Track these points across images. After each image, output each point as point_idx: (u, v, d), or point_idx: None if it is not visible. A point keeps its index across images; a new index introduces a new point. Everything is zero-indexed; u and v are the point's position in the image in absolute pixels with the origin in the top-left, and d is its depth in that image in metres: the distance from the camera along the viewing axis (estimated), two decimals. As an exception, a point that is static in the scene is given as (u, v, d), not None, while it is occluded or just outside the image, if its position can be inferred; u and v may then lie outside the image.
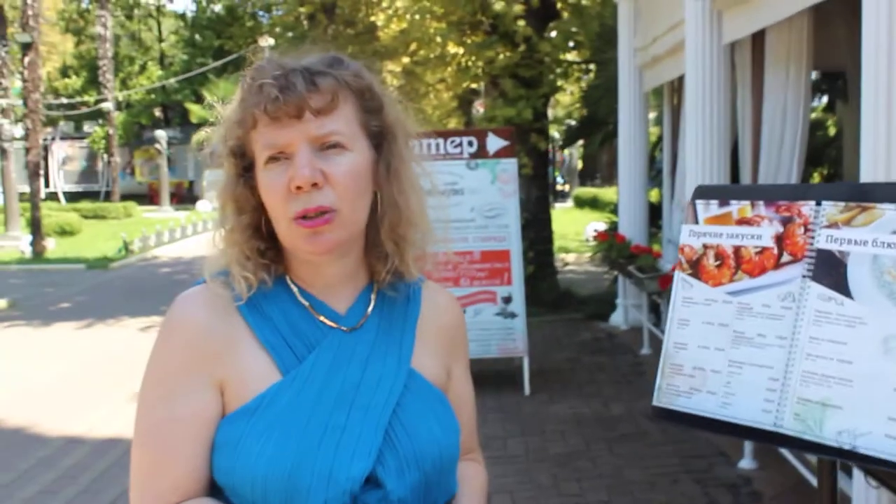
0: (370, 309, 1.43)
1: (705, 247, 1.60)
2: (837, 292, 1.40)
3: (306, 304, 1.39)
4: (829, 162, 11.45)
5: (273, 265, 1.40)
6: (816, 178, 11.21)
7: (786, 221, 1.50)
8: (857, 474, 3.30)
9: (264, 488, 1.27)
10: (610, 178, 34.27)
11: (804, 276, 1.45)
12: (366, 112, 1.38)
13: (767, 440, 1.43)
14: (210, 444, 1.32)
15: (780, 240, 1.50)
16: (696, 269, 1.60)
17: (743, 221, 1.56)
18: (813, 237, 1.46)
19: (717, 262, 1.57)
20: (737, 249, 1.55)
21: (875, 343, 1.35)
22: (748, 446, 5.17)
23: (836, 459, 1.39)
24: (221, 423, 1.33)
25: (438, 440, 1.38)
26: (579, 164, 41.04)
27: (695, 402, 1.53)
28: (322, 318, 1.39)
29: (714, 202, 1.60)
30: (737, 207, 1.57)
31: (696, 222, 1.63)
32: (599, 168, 39.79)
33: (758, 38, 6.02)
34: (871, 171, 3.44)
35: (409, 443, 1.34)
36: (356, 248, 1.42)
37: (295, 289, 1.40)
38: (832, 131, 13.58)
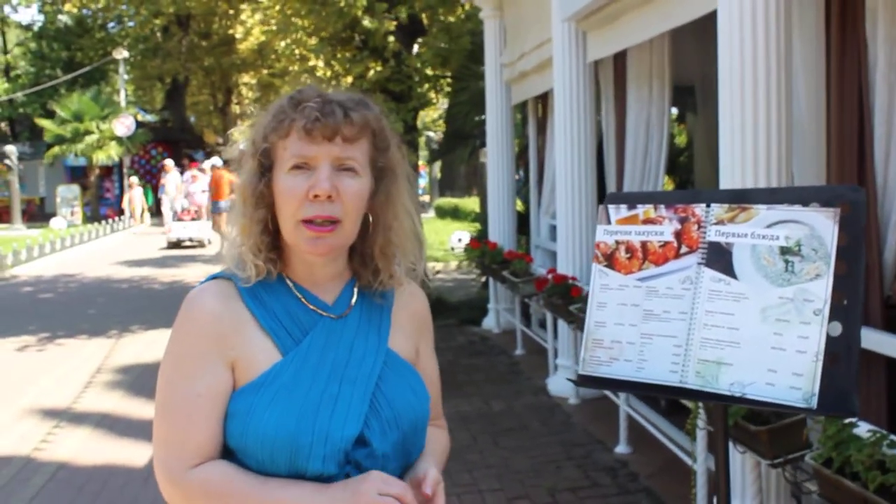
0: (354, 300, 1.74)
1: (617, 243, 1.95)
2: (725, 275, 1.77)
3: (300, 296, 1.69)
4: (681, 169, 12.15)
5: (276, 261, 1.68)
6: (670, 184, 11.88)
7: (683, 220, 1.86)
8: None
9: (272, 447, 1.55)
10: (469, 188, 34.92)
11: (699, 264, 1.82)
12: (376, 149, 1.70)
13: (675, 394, 1.78)
14: (224, 415, 1.60)
15: (678, 235, 1.86)
16: (610, 261, 1.95)
17: (648, 221, 1.92)
18: (705, 232, 1.83)
19: (628, 255, 1.93)
20: (644, 244, 1.91)
21: (755, 313, 1.72)
22: (623, 433, 5.63)
23: (728, 405, 1.76)
24: (233, 396, 1.61)
25: (413, 406, 1.70)
26: (438, 175, 41.64)
27: (614, 368, 1.88)
28: (314, 307, 1.69)
29: (623, 206, 1.97)
30: (642, 210, 1.93)
31: (609, 223, 1.98)
32: (458, 178, 40.48)
33: (619, 57, 6.52)
34: (728, 179, 3.91)
35: (389, 409, 1.65)
36: (344, 253, 1.73)
37: (290, 283, 1.70)
38: (682, 140, 14.37)
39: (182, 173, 24.67)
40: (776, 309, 1.70)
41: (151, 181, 33.62)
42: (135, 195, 29.16)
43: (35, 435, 6.71)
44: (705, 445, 4.02)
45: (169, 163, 26.99)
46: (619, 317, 1.90)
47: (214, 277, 1.70)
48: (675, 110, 12.02)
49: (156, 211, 30.33)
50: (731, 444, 3.46)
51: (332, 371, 1.63)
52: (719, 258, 1.79)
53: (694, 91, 9.57)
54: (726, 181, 3.88)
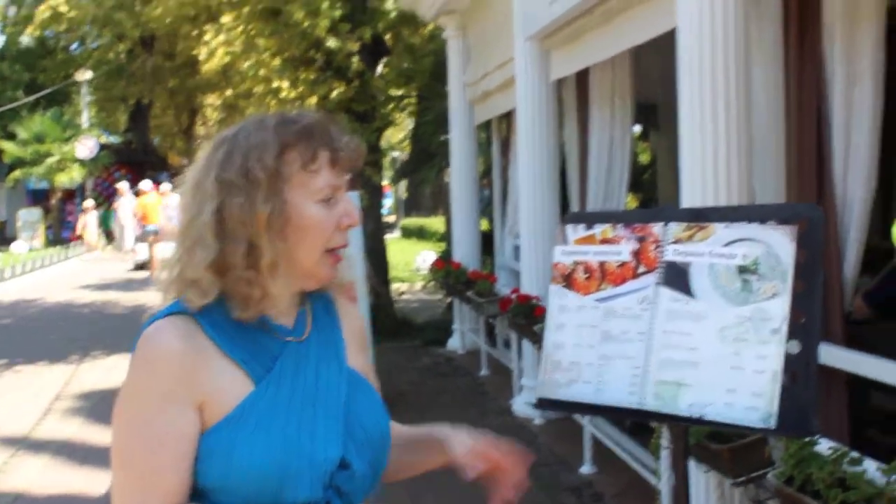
0: (309, 321, 1.69)
1: (575, 263, 1.93)
2: (683, 294, 1.75)
3: (260, 322, 1.61)
4: (645, 187, 12.23)
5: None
6: (633, 202, 11.95)
7: (640, 240, 1.84)
8: (690, 463, 3.73)
9: (260, 479, 1.48)
10: (434, 207, 34.95)
11: (657, 283, 1.80)
12: None
13: (634, 416, 1.76)
14: (192, 460, 1.51)
15: (636, 254, 1.84)
16: (568, 281, 1.93)
17: (606, 241, 1.89)
18: (662, 251, 1.81)
19: (586, 275, 1.90)
20: (602, 264, 1.89)
21: (714, 332, 1.70)
22: (587, 453, 5.60)
23: (688, 426, 1.73)
24: (204, 436, 1.51)
25: (381, 423, 1.68)
26: (404, 195, 41.67)
27: (573, 391, 1.85)
28: (276, 333, 1.63)
29: (581, 225, 1.94)
30: (600, 229, 1.91)
31: (566, 243, 1.96)
32: (423, 198, 40.53)
33: (582, 75, 6.54)
34: (689, 196, 3.91)
35: (361, 429, 1.62)
36: None
37: None
38: (646, 158, 14.48)
39: (136, 196, 24.16)
40: (734, 328, 1.68)
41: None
42: (89, 220, 28.00)
43: (-8, 462, 6.58)
44: (669, 464, 3.99)
45: (122, 186, 26.71)
46: (578, 338, 1.87)
47: (170, 312, 1.59)
48: (638, 128, 12.12)
49: (110, 236, 29.56)
50: (693, 463, 3.45)
51: (304, 396, 1.59)
52: (677, 277, 1.77)
53: (657, 108, 9.64)
54: (687, 198, 3.88)
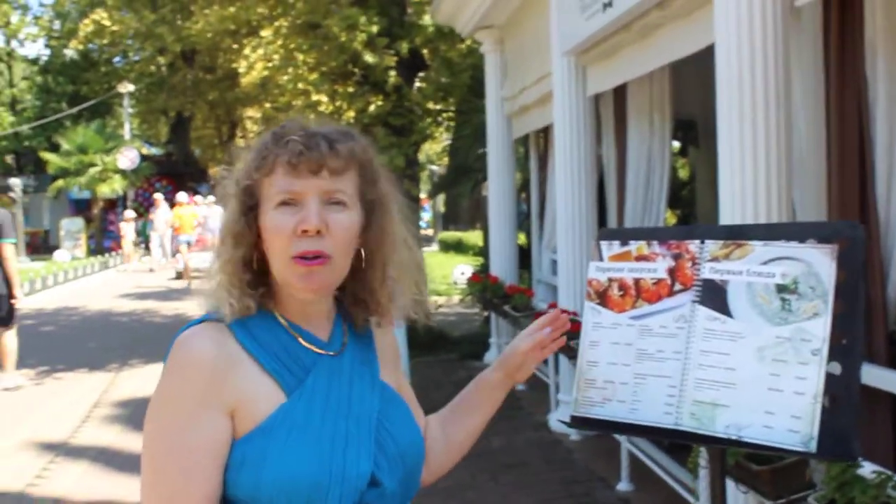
0: (346, 337, 1.69)
1: (610, 280, 1.91)
2: (721, 313, 1.72)
3: (296, 334, 1.62)
4: (683, 203, 12.14)
5: (263, 298, 1.62)
6: (672, 218, 11.86)
7: (676, 257, 1.82)
8: (729, 483, 3.68)
9: (291, 492, 1.47)
10: (472, 221, 34.92)
11: (693, 301, 1.77)
12: (364, 181, 1.65)
13: (669, 437, 1.73)
14: (223, 467, 1.50)
15: (672, 272, 1.81)
16: (602, 298, 1.91)
17: (641, 258, 1.87)
18: (699, 269, 1.78)
19: (621, 293, 1.88)
20: (637, 281, 1.86)
21: (752, 352, 1.67)
22: (624, 470, 5.55)
23: (726, 447, 1.70)
24: (237, 444, 1.51)
25: (415, 441, 1.67)
26: (442, 209, 41.71)
27: (607, 409, 1.82)
28: (310, 345, 1.62)
29: (616, 242, 1.92)
30: (635, 246, 1.89)
31: (601, 259, 1.94)
32: (462, 212, 40.53)
33: (620, 90, 6.51)
34: (728, 213, 3.87)
35: (394, 445, 1.61)
36: (333, 290, 1.67)
37: (284, 322, 1.62)
38: (683, 174, 14.37)
39: (172, 207, 24.29)
40: (773, 349, 1.65)
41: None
42: (126, 230, 27.77)
43: (30, 470, 6.64)
44: (708, 484, 3.94)
45: (158, 197, 26.95)
46: (612, 356, 1.85)
47: (203, 319, 1.62)
48: (677, 143, 12.04)
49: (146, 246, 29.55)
50: (732, 483, 3.39)
51: (337, 409, 1.58)
52: (714, 296, 1.74)
53: (695, 124, 9.57)
54: (726, 215, 3.83)
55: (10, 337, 9.66)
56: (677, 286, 1.80)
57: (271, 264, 1.60)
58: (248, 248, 1.61)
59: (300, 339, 1.62)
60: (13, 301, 9.40)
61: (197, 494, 1.48)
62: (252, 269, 1.61)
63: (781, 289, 1.66)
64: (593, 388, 1.86)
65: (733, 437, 1.64)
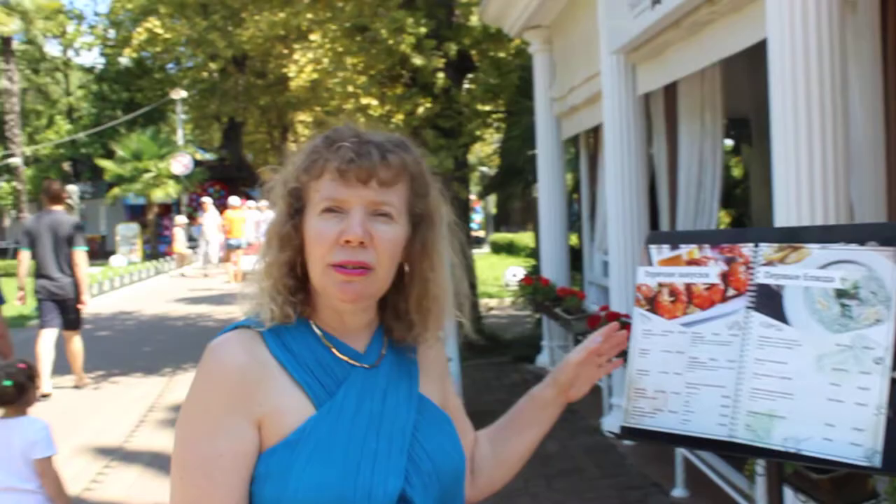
0: (384, 350, 1.63)
1: (660, 285, 1.84)
2: (776, 320, 1.65)
3: (330, 345, 1.57)
4: (737, 202, 11.96)
5: (300, 306, 1.57)
6: (726, 218, 11.69)
7: (729, 261, 1.75)
8: (787, 491, 3.58)
9: None
10: (524, 223, 34.79)
11: (747, 308, 1.70)
12: (414, 195, 1.59)
13: (724, 449, 1.66)
14: (249, 478, 1.47)
15: (725, 277, 1.74)
16: (652, 304, 1.84)
17: (692, 262, 1.80)
18: (753, 274, 1.71)
19: (672, 298, 1.81)
20: (688, 286, 1.79)
21: (810, 361, 1.59)
22: (679, 476, 5.45)
23: (783, 461, 1.63)
24: (262, 456, 1.47)
25: (453, 458, 1.60)
26: (493, 210, 41.62)
27: (658, 420, 1.76)
28: (345, 357, 1.57)
29: (666, 246, 1.85)
30: (686, 250, 1.82)
31: (651, 264, 1.87)
32: (513, 214, 40.40)
33: (670, 89, 6.40)
34: (783, 213, 3.76)
35: (429, 462, 1.54)
36: (374, 302, 1.62)
37: (319, 332, 1.58)
38: (737, 173, 14.17)
39: (222, 212, 24.46)
40: (833, 357, 1.57)
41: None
42: (178, 234, 28.01)
43: (86, 474, 6.70)
44: (765, 491, 3.84)
45: (206, 201, 27.18)
46: (663, 365, 1.78)
47: (237, 326, 1.59)
48: (730, 142, 11.87)
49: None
50: (791, 493, 3.30)
51: (368, 424, 1.52)
52: (769, 302, 1.67)
53: (748, 122, 9.41)
54: (781, 216, 3.73)
55: (77, 341, 9.83)
56: (730, 292, 1.73)
57: (310, 270, 1.56)
58: (294, 252, 1.57)
59: (334, 350, 1.57)
60: (80, 306, 9.60)
61: (221, 502, 1.45)
62: (296, 274, 1.58)
63: (841, 294, 1.59)
64: (644, 398, 1.79)
65: (791, 451, 1.57)
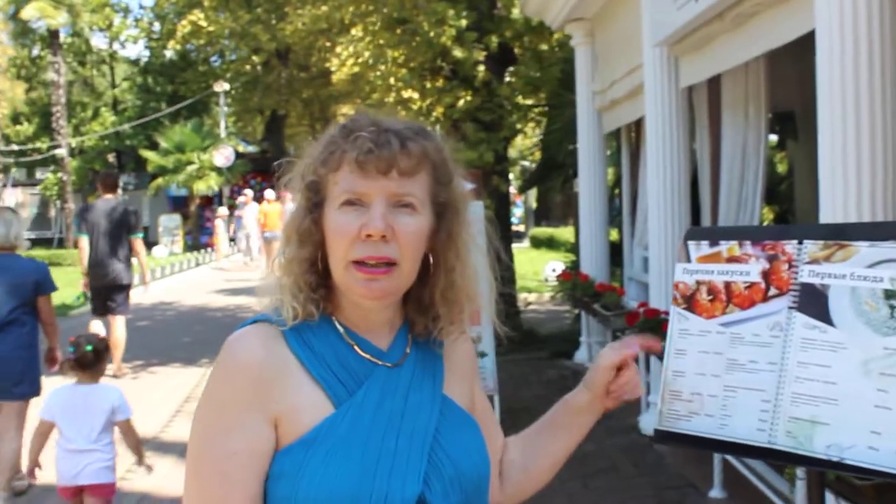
0: (408, 348, 1.57)
1: (698, 283, 1.76)
2: (821, 321, 1.57)
3: (352, 342, 1.51)
4: (781, 198, 11.76)
5: (322, 302, 1.51)
6: (769, 214, 11.50)
7: (771, 259, 1.66)
8: (828, 495, 3.48)
9: None
10: (564, 217, 34.60)
11: (790, 308, 1.62)
12: (437, 183, 1.52)
13: (763, 456, 1.58)
14: (264, 476, 1.42)
15: (766, 275, 1.66)
16: (690, 303, 1.76)
17: (732, 259, 1.72)
18: (796, 272, 1.62)
19: (710, 297, 1.73)
20: (727, 285, 1.71)
21: (856, 365, 1.51)
22: (717, 476, 5.34)
23: (826, 470, 1.55)
24: (278, 455, 1.43)
25: (476, 462, 1.53)
26: (534, 205, 41.45)
27: (694, 424, 1.68)
28: (367, 355, 1.51)
29: (705, 243, 1.77)
30: (726, 247, 1.74)
31: (689, 261, 1.79)
32: (554, 208, 40.21)
33: (713, 82, 6.28)
34: (829, 210, 3.65)
35: (451, 466, 1.48)
36: (399, 297, 1.55)
37: (341, 328, 1.52)
38: (781, 168, 13.94)
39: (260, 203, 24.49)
40: (880, 361, 1.49)
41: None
42: (219, 226, 28.12)
43: (121, 464, 6.70)
44: (806, 495, 3.74)
45: (247, 194, 27.27)
46: (700, 366, 1.71)
47: (256, 320, 1.54)
48: (774, 137, 11.67)
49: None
50: (833, 498, 3.20)
51: (388, 425, 1.46)
52: (813, 302, 1.58)
53: (794, 116, 9.23)
54: (827, 213, 3.62)
55: (121, 329, 9.93)
56: (772, 291, 1.65)
57: (332, 268, 1.50)
58: (314, 248, 1.51)
59: (356, 348, 1.52)
60: (143, 287, 10.31)
61: (235, 500, 1.41)
62: (317, 270, 1.52)
63: (890, 295, 1.50)
64: (679, 400, 1.72)
65: (834, 459, 1.49)
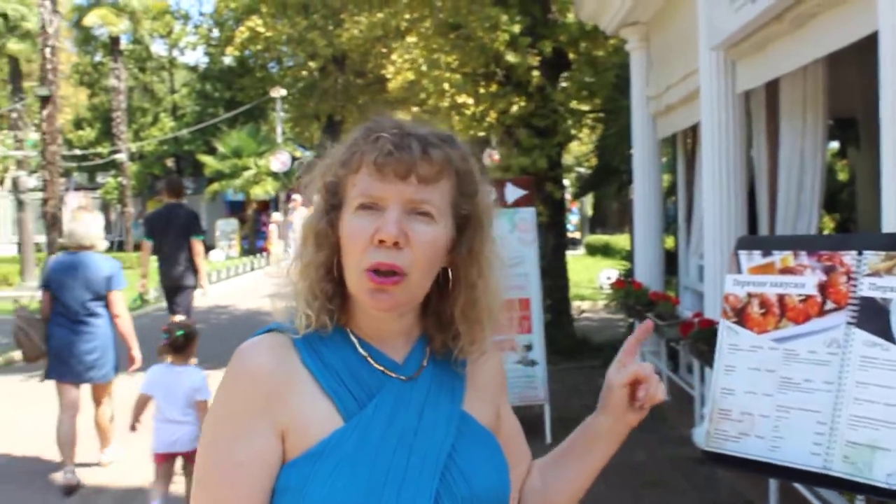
0: (425, 361, 1.49)
1: (750, 295, 1.66)
2: (882, 338, 1.45)
3: (366, 353, 1.45)
4: (842, 207, 11.50)
5: (337, 312, 1.45)
6: (830, 223, 11.25)
7: (828, 270, 1.55)
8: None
9: None
10: (620, 224, 34.31)
11: (848, 323, 1.50)
12: (460, 194, 1.45)
13: (817, 482, 1.47)
14: (270, 489, 1.37)
15: (823, 288, 1.55)
16: (741, 316, 1.66)
17: (786, 270, 1.62)
18: (856, 285, 1.51)
19: (762, 310, 1.63)
20: (781, 297, 1.61)
21: (920, 387, 1.40)
22: (773, 494, 5.18)
23: (887, 501, 1.43)
24: (284, 469, 1.37)
25: (494, 484, 1.45)
26: (590, 212, 41.17)
27: (744, 446, 1.58)
28: (380, 366, 1.45)
29: (757, 252, 1.67)
30: (779, 257, 1.63)
31: (740, 272, 1.69)
32: (610, 215, 39.90)
33: (771, 86, 6.12)
34: (892, 219, 3.50)
35: (466, 486, 1.40)
36: (415, 308, 1.48)
37: (355, 339, 1.46)
38: (842, 176, 13.65)
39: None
40: (947, 383, 1.37)
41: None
42: (273, 231, 28.12)
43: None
44: (865, 516, 3.58)
45: (297, 198, 27.36)
46: (751, 384, 1.60)
47: (269, 330, 1.48)
48: (835, 144, 11.42)
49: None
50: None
51: (399, 441, 1.39)
52: (874, 318, 1.47)
53: (856, 122, 9.01)
54: (889, 222, 3.47)
55: None
56: (829, 305, 1.54)
57: (346, 274, 1.43)
58: (331, 251, 1.45)
59: (370, 360, 1.45)
60: (201, 291, 10.16)
61: None
62: (333, 277, 1.45)
63: (958, 311, 1.39)
64: (728, 420, 1.61)
65: (895, 489, 1.37)
